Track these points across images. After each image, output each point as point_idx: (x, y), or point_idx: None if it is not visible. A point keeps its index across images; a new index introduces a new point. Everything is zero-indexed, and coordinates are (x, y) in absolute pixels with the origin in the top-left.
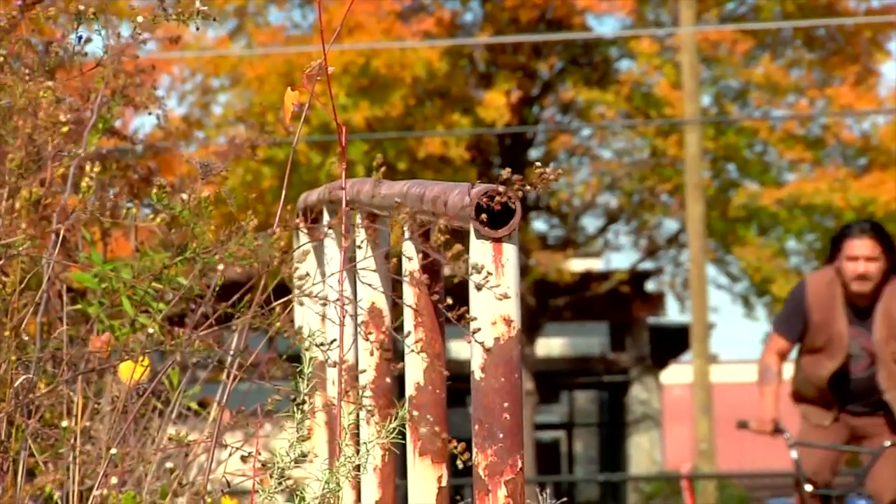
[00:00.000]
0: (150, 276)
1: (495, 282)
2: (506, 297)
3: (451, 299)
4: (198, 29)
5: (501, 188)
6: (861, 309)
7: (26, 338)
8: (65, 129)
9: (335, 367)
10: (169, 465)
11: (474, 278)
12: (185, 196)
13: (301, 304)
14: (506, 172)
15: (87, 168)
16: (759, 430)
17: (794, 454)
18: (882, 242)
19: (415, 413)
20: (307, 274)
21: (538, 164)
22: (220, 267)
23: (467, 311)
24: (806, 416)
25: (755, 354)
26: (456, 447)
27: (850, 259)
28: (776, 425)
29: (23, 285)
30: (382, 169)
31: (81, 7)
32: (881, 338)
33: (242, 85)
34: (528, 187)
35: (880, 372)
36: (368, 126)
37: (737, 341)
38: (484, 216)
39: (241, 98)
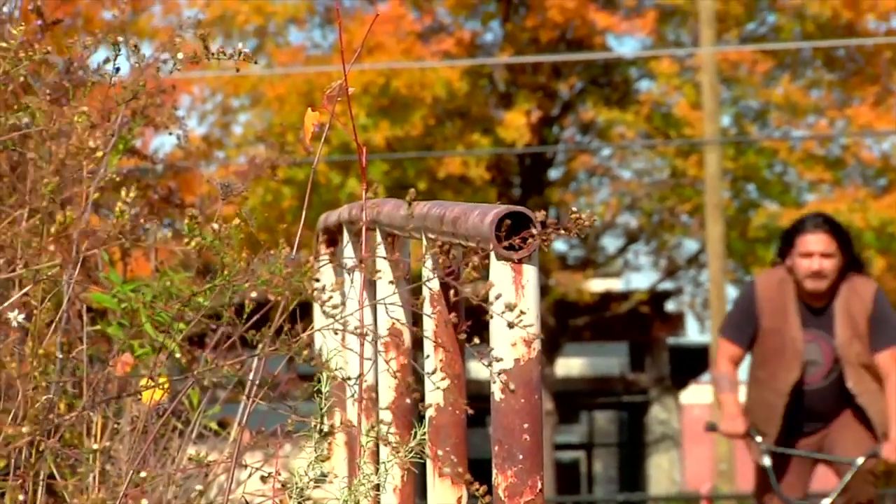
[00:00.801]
0: (177, 301)
1: (515, 303)
2: (526, 318)
3: (471, 319)
4: (237, 70)
5: (521, 208)
6: (816, 310)
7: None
8: (99, 153)
9: (356, 394)
10: (198, 487)
11: (495, 307)
12: (215, 226)
13: (324, 336)
14: (540, 215)
15: (124, 193)
16: (730, 433)
17: (766, 461)
18: (837, 237)
19: (434, 434)
20: (331, 296)
21: (574, 209)
22: (253, 294)
23: (486, 333)
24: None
25: None
26: (471, 481)
27: (803, 255)
28: (748, 427)
29: (43, 305)
30: (412, 192)
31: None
32: (845, 339)
33: (262, 105)
34: (563, 231)
35: (849, 376)
36: (388, 146)
37: None
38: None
39: (261, 118)
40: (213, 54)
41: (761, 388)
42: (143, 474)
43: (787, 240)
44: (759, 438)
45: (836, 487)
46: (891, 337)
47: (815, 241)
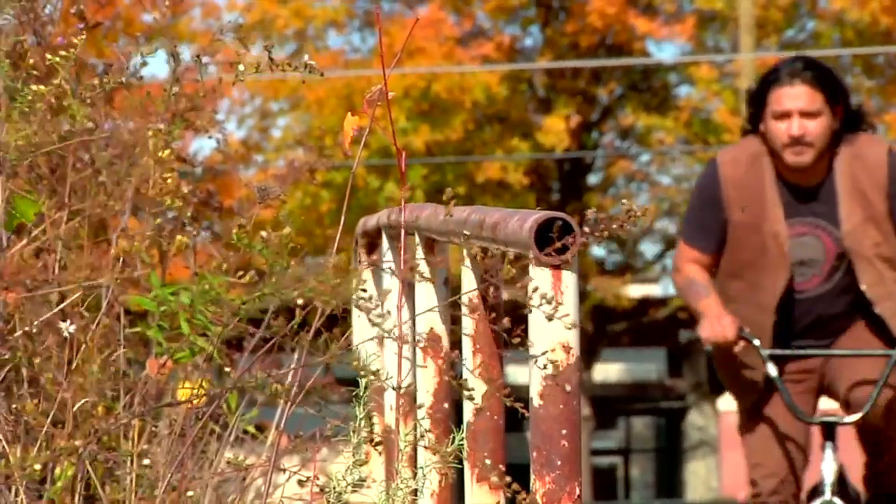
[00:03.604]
0: (225, 309)
1: (555, 308)
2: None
3: (509, 327)
4: (304, 83)
5: (561, 214)
6: (806, 191)
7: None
8: (171, 176)
9: (394, 391)
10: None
11: (541, 307)
12: (264, 234)
13: (377, 345)
14: (590, 213)
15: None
16: (716, 339)
17: (772, 370)
18: (824, 87)
19: (473, 440)
20: (377, 305)
21: (624, 201)
22: (300, 301)
23: (526, 337)
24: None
25: None
26: (510, 483)
27: (778, 117)
28: (740, 330)
29: (84, 306)
30: (453, 200)
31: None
32: (854, 225)
33: (302, 108)
34: (616, 226)
35: (861, 275)
36: (428, 150)
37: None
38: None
39: (300, 121)
40: (278, 65)
41: (738, 305)
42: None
43: (757, 97)
44: (756, 341)
45: (863, 404)
46: None
47: (793, 96)
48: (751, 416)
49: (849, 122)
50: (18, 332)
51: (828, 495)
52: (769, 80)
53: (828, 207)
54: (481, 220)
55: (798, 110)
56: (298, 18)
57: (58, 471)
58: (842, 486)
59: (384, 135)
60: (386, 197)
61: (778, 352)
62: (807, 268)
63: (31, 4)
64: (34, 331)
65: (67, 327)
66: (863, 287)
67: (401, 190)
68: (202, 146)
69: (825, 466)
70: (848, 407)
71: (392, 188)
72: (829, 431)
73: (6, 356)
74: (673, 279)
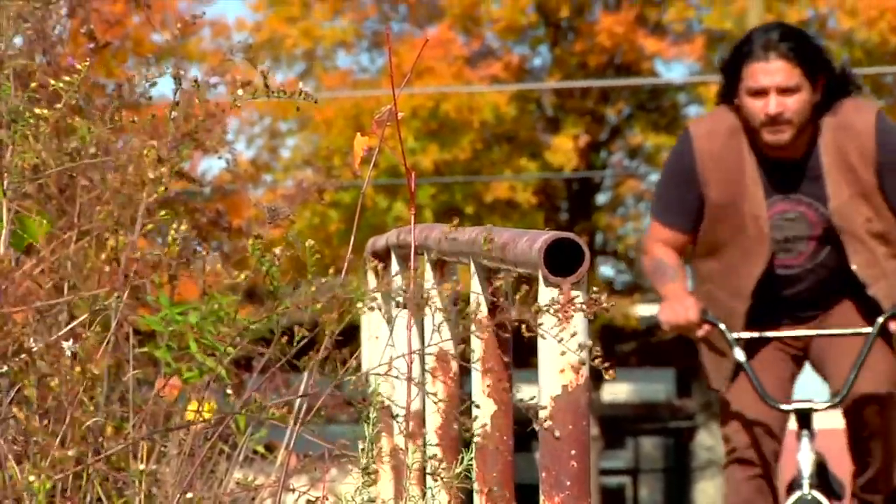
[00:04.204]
0: (232, 329)
1: (563, 328)
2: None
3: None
4: (298, 109)
5: (571, 234)
6: (789, 164)
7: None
8: (161, 189)
9: (402, 412)
10: None
11: (550, 328)
12: (277, 251)
13: (370, 346)
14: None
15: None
16: (677, 322)
17: (739, 355)
18: (802, 61)
19: (482, 461)
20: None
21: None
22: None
23: (535, 357)
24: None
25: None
26: None
27: (753, 94)
28: (703, 313)
29: (93, 327)
30: (456, 220)
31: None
32: (843, 201)
33: (310, 128)
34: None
35: (852, 254)
36: (436, 170)
37: (803, 387)
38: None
39: (308, 141)
40: (273, 92)
41: (711, 286)
42: (189, 495)
43: (730, 69)
44: (722, 326)
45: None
46: None
47: (769, 72)
48: (725, 403)
49: (833, 89)
50: (25, 352)
51: (805, 489)
52: (743, 52)
53: (813, 183)
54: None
55: (775, 86)
56: (307, 39)
57: (36, 484)
58: (823, 478)
59: (393, 155)
60: (394, 217)
61: (745, 335)
62: (792, 244)
63: (40, 25)
64: (38, 349)
65: (70, 346)
66: (853, 268)
67: (410, 210)
68: (211, 166)
69: (802, 457)
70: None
71: (400, 208)
72: (805, 419)
73: (15, 375)
74: (642, 261)
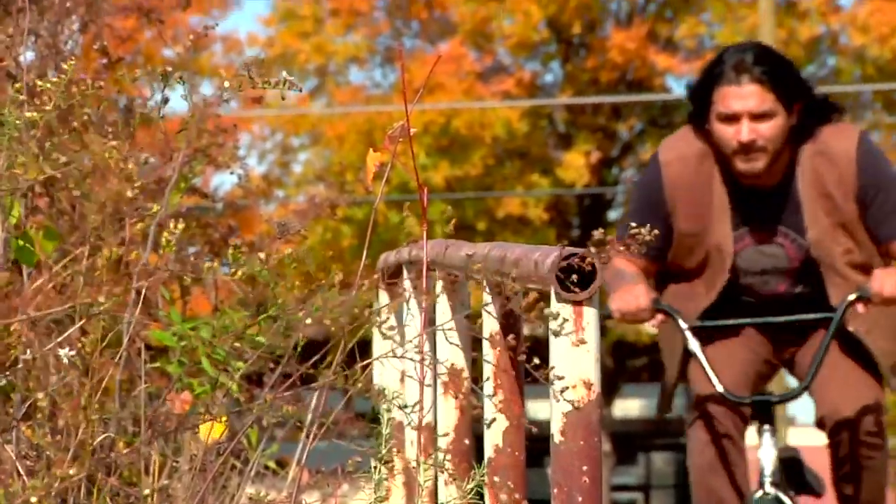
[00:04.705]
0: (231, 336)
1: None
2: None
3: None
4: (283, 98)
5: (582, 251)
6: (763, 195)
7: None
8: (137, 185)
9: (416, 429)
10: None
11: (562, 343)
12: (262, 255)
13: (382, 373)
14: (599, 234)
15: (172, 225)
16: (628, 311)
17: (693, 345)
18: (776, 86)
19: (494, 477)
20: (393, 326)
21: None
22: (308, 321)
23: (547, 372)
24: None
25: None
26: None
27: (724, 120)
28: (655, 301)
29: (104, 343)
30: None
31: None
32: (822, 233)
33: (322, 144)
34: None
35: (833, 290)
36: (448, 186)
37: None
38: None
39: (320, 157)
40: (258, 83)
41: (671, 299)
42: None
43: (700, 92)
44: (676, 314)
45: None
46: None
47: (741, 96)
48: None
49: (812, 113)
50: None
51: (767, 487)
52: (714, 73)
53: (790, 212)
54: (502, 255)
55: (747, 112)
56: (320, 54)
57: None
58: (796, 473)
59: (405, 171)
60: (406, 232)
61: (699, 324)
62: (770, 275)
63: (52, 40)
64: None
65: (67, 354)
66: (833, 301)
67: (421, 226)
68: (223, 181)
69: (762, 454)
70: (822, 426)
71: (412, 223)
72: (764, 413)
73: (26, 390)
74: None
